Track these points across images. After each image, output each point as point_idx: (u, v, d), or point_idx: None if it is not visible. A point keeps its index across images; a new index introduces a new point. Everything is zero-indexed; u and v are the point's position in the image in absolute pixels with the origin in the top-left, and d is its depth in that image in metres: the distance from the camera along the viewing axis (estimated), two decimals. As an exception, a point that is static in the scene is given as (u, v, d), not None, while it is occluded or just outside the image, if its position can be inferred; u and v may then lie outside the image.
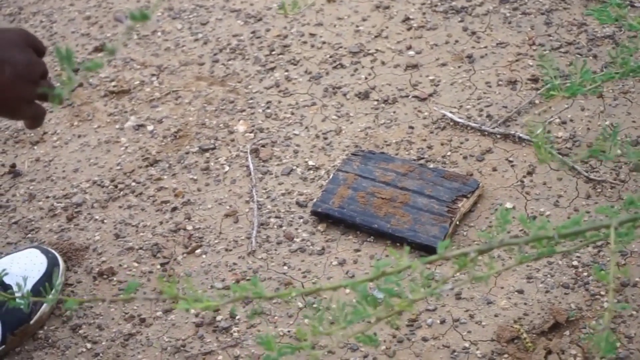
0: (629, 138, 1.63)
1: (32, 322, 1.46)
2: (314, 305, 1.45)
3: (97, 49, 1.97)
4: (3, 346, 1.43)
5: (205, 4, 2.04)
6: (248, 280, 1.52)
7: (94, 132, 1.82)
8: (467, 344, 1.39)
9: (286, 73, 1.85)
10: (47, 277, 1.48)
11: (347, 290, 1.43)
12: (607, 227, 0.88)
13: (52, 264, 1.51)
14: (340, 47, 1.90)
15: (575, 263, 1.47)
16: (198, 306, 0.88)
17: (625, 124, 1.66)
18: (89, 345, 1.46)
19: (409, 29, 1.92)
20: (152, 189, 1.69)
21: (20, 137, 1.81)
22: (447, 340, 1.40)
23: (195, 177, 1.70)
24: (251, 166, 1.69)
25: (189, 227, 1.62)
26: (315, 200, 1.61)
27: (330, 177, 1.64)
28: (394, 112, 1.76)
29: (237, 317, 1.45)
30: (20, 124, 1.81)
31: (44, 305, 1.48)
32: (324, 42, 1.90)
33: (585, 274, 1.45)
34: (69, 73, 0.74)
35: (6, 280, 1.44)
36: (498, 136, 1.69)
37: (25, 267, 1.49)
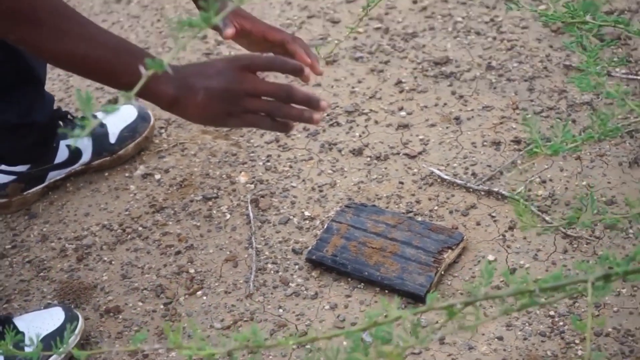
0: (604, 198, 1.63)
1: None
2: (307, 346, 1.45)
3: (111, 102, 1.99)
4: None
5: (211, 58, 2.09)
6: (245, 321, 1.52)
7: (104, 180, 1.83)
8: (449, 386, 1.39)
9: (285, 129, 1.89)
10: (62, 331, 1.49)
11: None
12: (585, 281, 0.88)
13: (70, 320, 1.51)
14: (337, 106, 1.92)
15: (552, 313, 1.48)
16: (201, 354, 0.89)
17: (601, 184, 1.67)
18: (94, 380, 1.47)
19: (401, 92, 1.94)
20: (157, 234, 1.71)
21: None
22: (431, 381, 1.39)
23: (198, 224, 1.72)
24: (251, 215, 1.71)
25: (191, 270, 1.63)
26: (310, 248, 1.62)
27: (325, 227, 1.64)
28: (386, 168, 1.78)
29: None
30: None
31: (53, 357, 1.48)
32: (321, 101, 1.94)
33: (561, 323, 1.47)
34: (88, 116, 0.76)
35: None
36: (482, 193, 1.70)
37: (43, 320, 1.51)
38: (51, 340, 1.47)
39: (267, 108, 1.24)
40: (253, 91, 1.23)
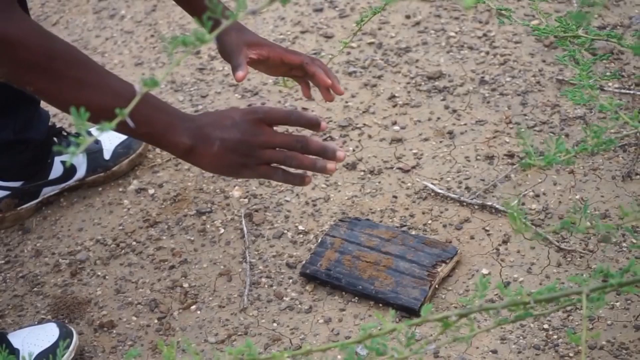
0: (597, 211, 1.64)
1: None
2: (301, 360, 1.50)
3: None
4: None
5: (206, 79, 2.07)
6: (240, 335, 1.53)
7: (98, 195, 1.84)
8: (443, 399, 1.40)
9: (279, 144, 1.90)
10: (56, 348, 1.49)
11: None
12: (579, 293, 0.89)
13: (65, 336, 1.51)
14: (331, 120, 1.93)
15: (546, 326, 1.48)
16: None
17: (594, 198, 1.68)
18: (88, 394, 1.47)
19: (394, 106, 1.95)
20: (151, 249, 1.71)
21: (29, 197, 1.82)
22: (425, 395, 1.40)
23: (192, 238, 1.72)
24: (245, 229, 1.71)
25: (185, 285, 1.64)
26: (304, 262, 1.63)
27: (319, 241, 1.65)
28: (379, 182, 1.79)
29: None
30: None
31: None
32: (315, 116, 1.94)
33: (555, 336, 1.47)
34: (82, 133, 0.76)
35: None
36: (476, 207, 1.71)
37: (37, 337, 1.51)
38: (44, 358, 1.46)
39: (280, 158, 1.26)
40: (268, 144, 1.25)
